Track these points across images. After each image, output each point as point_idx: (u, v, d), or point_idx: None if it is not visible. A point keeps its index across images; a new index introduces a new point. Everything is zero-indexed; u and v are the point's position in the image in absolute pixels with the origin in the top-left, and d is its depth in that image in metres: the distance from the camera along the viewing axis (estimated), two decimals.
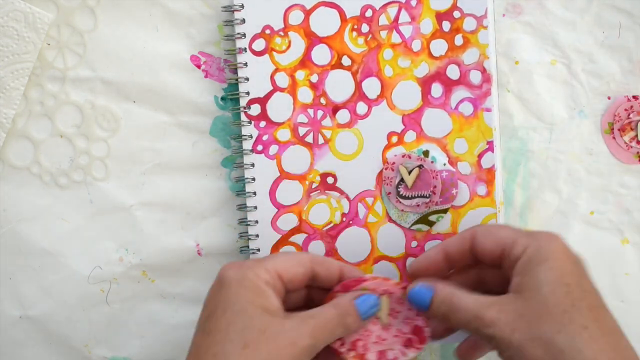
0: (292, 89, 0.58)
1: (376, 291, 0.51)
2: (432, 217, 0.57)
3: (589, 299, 0.46)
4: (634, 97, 0.58)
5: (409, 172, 0.57)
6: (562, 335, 0.44)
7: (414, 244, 0.58)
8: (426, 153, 0.57)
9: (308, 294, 0.52)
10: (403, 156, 0.57)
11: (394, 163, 0.57)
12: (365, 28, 0.57)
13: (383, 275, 0.52)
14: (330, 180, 0.58)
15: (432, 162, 0.57)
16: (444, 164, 0.57)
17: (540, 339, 0.44)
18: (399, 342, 0.52)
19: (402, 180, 0.57)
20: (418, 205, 0.57)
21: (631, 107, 0.58)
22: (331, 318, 0.48)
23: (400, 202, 0.57)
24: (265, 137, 0.58)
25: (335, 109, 0.58)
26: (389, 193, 0.57)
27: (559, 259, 0.46)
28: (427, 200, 0.57)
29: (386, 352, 0.52)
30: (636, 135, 0.58)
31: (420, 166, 0.57)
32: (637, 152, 0.58)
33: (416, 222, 0.57)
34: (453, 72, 0.57)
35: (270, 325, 0.46)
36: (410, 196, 0.57)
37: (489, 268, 0.50)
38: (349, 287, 0.51)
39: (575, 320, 0.44)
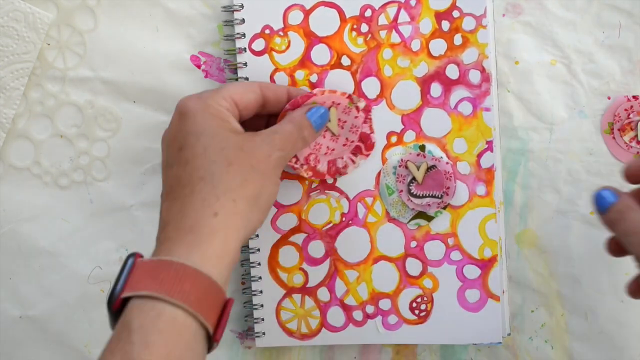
0: None
1: (325, 104, 0.55)
2: (431, 212, 0.57)
3: None
4: (633, 97, 0.58)
5: (418, 168, 0.57)
6: None
7: (413, 243, 0.58)
8: (422, 148, 0.57)
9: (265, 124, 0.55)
10: (417, 155, 0.57)
11: (407, 161, 0.57)
12: (364, 28, 0.57)
13: (329, 89, 0.56)
14: (329, 180, 0.58)
15: (434, 157, 0.57)
16: (441, 157, 0.57)
17: None
18: (348, 151, 0.56)
19: (413, 179, 0.57)
20: (429, 205, 0.57)
21: (631, 107, 0.58)
22: (291, 132, 0.51)
23: (411, 200, 0.57)
24: None
25: None
26: (401, 191, 0.57)
27: None
28: (439, 200, 0.57)
29: (336, 161, 0.56)
30: (636, 135, 0.58)
31: (433, 166, 0.57)
32: (637, 152, 0.58)
33: (415, 217, 0.57)
34: (452, 72, 0.57)
35: (245, 143, 0.48)
36: (421, 195, 0.57)
37: None
38: (298, 104, 0.54)
39: None
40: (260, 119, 0.54)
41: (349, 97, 0.56)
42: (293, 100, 0.54)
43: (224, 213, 0.46)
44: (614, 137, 0.58)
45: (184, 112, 0.49)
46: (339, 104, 0.55)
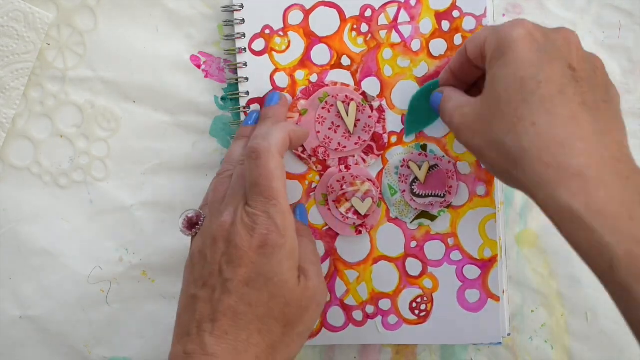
0: (292, 89, 0.58)
1: (337, 97, 0.55)
2: (434, 211, 0.57)
3: (545, 90, 0.42)
4: (346, 167, 0.58)
5: (420, 168, 0.57)
6: (510, 136, 0.42)
7: (413, 244, 0.58)
8: (424, 147, 0.57)
9: None
10: (419, 154, 0.57)
11: (409, 160, 0.57)
12: (364, 28, 0.57)
13: (341, 82, 0.56)
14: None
15: (434, 155, 0.57)
16: (443, 156, 0.57)
17: (494, 141, 0.42)
18: (359, 150, 0.56)
19: (415, 178, 0.57)
20: (432, 205, 0.57)
21: (343, 178, 0.58)
22: (306, 248, 0.51)
23: (414, 200, 0.57)
24: None
25: None
26: (404, 191, 0.57)
27: (516, 50, 0.43)
28: (442, 200, 0.57)
29: (347, 159, 0.56)
30: (352, 206, 0.58)
31: (435, 165, 0.57)
32: (354, 223, 0.58)
33: (418, 217, 0.57)
34: None
35: (303, 296, 0.47)
36: (424, 194, 0.57)
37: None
38: (310, 93, 0.55)
39: (524, 117, 0.41)
40: None
41: (363, 93, 0.56)
42: (305, 88, 0.55)
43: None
44: (329, 209, 0.58)
45: (265, 242, 0.46)
46: (352, 99, 0.56)
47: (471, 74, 0.51)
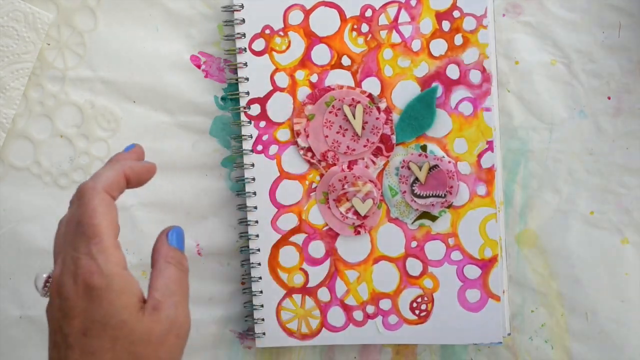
0: (292, 89, 0.58)
1: (344, 101, 0.54)
2: (435, 212, 0.57)
3: None
4: (348, 167, 0.58)
5: (420, 168, 0.57)
6: None
7: (413, 243, 0.58)
8: (424, 148, 0.57)
9: None
10: (419, 155, 0.57)
11: (409, 161, 0.57)
12: (365, 28, 0.57)
13: (347, 85, 0.55)
14: None
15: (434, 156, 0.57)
16: (443, 157, 0.57)
17: None
18: (369, 152, 0.56)
19: (416, 179, 0.57)
20: (433, 205, 0.57)
21: (345, 177, 0.58)
22: (180, 277, 0.47)
23: (415, 201, 0.57)
24: (265, 137, 0.58)
25: None
26: (404, 192, 0.57)
27: None
28: (443, 200, 0.57)
29: (357, 162, 0.56)
30: (352, 206, 0.58)
31: (435, 166, 0.57)
32: (353, 223, 0.58)
33: (419, 217, 0.57)
34: (453, 72, 0.57)
35: (152, 330, 0.44)
36: (425, 195, 0.57)
37: None
38: (317, 98, 0.54)
39: None
40: None
41: (369, 95, 0.56)
42: (311, 93, 0.55)
43: None
44: (329, 207, 0.58)
45: (89, 286, 0.43)
46: (359, 101, 0.55)
47: None
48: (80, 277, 0.44)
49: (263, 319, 0.59)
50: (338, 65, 0.57)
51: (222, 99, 0.60)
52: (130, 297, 0.45)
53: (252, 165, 0.58)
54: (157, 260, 0.47)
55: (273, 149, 0.58)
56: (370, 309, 0.58)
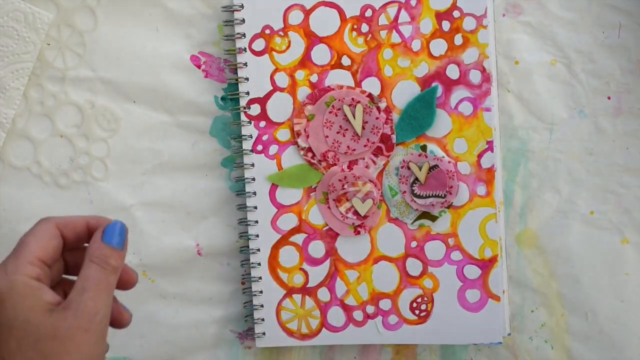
0: (292, 89, 0.58)
1: (344, 101, 0.54)
2: (435, 212, 0.57)
3: None
4: (348, 167, 0.58)
5: (420, 168, 0.57)
6: None
7: (413, 244, 0.58)
8: (424, 148, 0.57)
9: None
10: (419, 155, 0.57)
11: (409, 161, 0.57)
12: (365, 28, 0.57)
13: (347, 85, 0.55)
14: None
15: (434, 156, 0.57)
16: (443, 157, 0.57)
17: None
18: (369, 152, 0.56)
19: (416, 179, 0.57)
20: (433, 205, 0.57)
21: (345, 177, 0.58)
22: (99, 278, 0.47)
23: (415, 201, 0.57)
24: (265, 137, 0.58)
25: None
26: (404, 192, 0.57)
27: None
28: (443, 200, 0.57)
29: (357, 162, 0.56)
30: (352, 206, 0.58)
31: (435, 166, 0.57)
32: (353, 223, 0.58)
33: (419, 218, 0.57)
34: (453, 72, 0.57)
35: (58, 327, 0.45)
36: (425, 195, 0.57)
37: None
38: (316, 98, 0.54)
39: None
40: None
41: (369, 95, 0.56)
42: (311, 93, 0.55)
43: None
44: (329, 207, 0.58)
45: None
46: (359, 101, 0.55)
47: None
48: None
49: (263, 319, 0.59)
50: (338, 65, 0.57)
51: (222, 99, 0.60)
52: (36, 300, 0.46)
53: (252, 165, 0.58)
54: (84, 259, 0.48)
55: (273, 149, 0.58)
56: (370, 309, 0.58)
